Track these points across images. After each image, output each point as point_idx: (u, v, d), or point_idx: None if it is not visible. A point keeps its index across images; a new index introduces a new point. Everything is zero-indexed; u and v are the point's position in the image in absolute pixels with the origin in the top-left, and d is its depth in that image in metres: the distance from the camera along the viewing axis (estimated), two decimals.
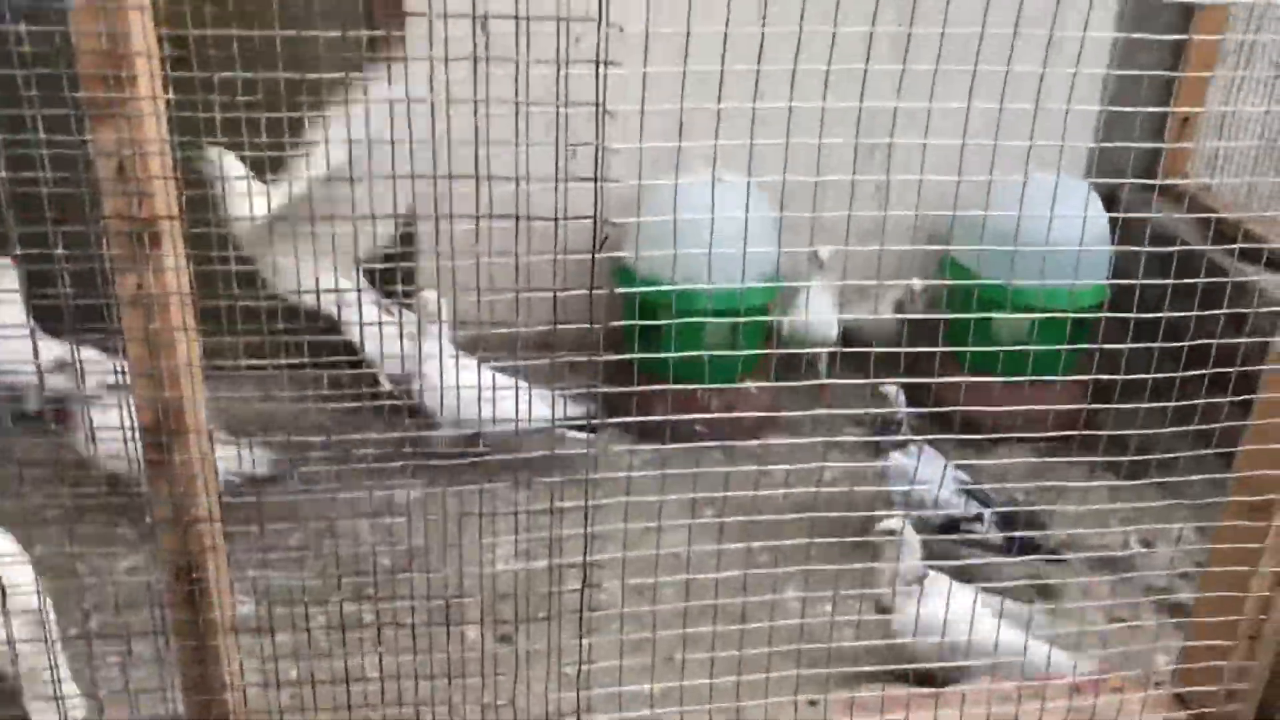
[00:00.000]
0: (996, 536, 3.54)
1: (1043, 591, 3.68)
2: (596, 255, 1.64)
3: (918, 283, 4.57)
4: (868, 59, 1.67)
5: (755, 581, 2.11)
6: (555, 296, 1.62)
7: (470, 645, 2.37)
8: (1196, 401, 2.02)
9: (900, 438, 3.76)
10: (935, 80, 1.73)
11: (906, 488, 3.59)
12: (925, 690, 2.35)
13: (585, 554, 1.84)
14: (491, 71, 1.49)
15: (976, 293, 3.99)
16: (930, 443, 3.75)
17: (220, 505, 1.76)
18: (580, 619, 1.91)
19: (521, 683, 2.05)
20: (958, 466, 3.74)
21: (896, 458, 3.73)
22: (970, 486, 3.66)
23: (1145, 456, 2.45)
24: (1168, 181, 4.86)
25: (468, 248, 1.68)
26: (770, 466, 2.15)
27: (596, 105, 1.52)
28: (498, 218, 1.57)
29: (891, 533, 3.14)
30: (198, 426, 1.68)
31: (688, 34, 1.58)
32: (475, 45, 1.50)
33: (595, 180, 1.58)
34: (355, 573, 2.63)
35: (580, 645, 1.94)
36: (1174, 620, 3.26)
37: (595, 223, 1.61)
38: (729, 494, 2.00)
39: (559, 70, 1.54)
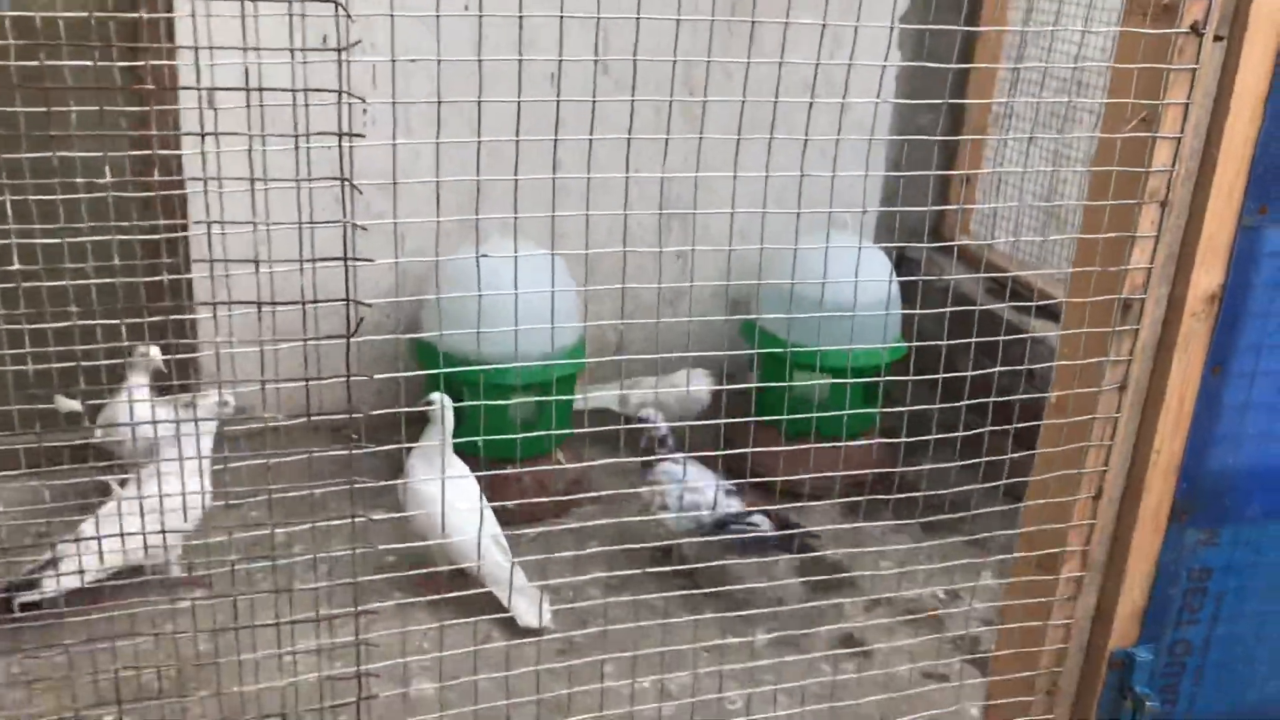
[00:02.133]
0: (770, 530, 3.80)
1: (851, 644, 3.70)
2: (359, 339, 1.52)
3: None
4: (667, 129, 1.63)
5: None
6: (307, 386, 1.50)
7: None
8: (977, 431, 2.04)
9: (666, 457, 3.95)
10: (729, 148, 1.71)
11: (678, 487, 3.84)
12: None
13: (359, 662, 1.70)
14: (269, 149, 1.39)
15: (789, 359, 4.06)
16: (696, 459, 3.93)
17: None
18: (358, 709, 1.76)
19: None
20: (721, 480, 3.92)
21: (666, 466, 3.90)
22: (731, 489, 3.89)
23: (937, 503, 2.47)
24: (962, 242, 5.04)
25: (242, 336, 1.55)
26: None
27: (341, 179, 1.42)
28: (237, 304, 1.44)
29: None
30: None
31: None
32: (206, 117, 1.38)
33: (344, 260, 1.47)
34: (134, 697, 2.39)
35: None
36: (978, 680, 3.30)
37: (348, 305, 1.50)
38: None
39: (305, 142, 1.44)
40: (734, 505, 3.86)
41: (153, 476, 3.21)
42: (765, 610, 3.68)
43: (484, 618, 3.32)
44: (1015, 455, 2.15)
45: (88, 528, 3.13)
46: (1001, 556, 2.27)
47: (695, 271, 3.67)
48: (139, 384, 3.48)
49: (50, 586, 3.10)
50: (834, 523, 4.38)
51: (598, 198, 1.75)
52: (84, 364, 1.44)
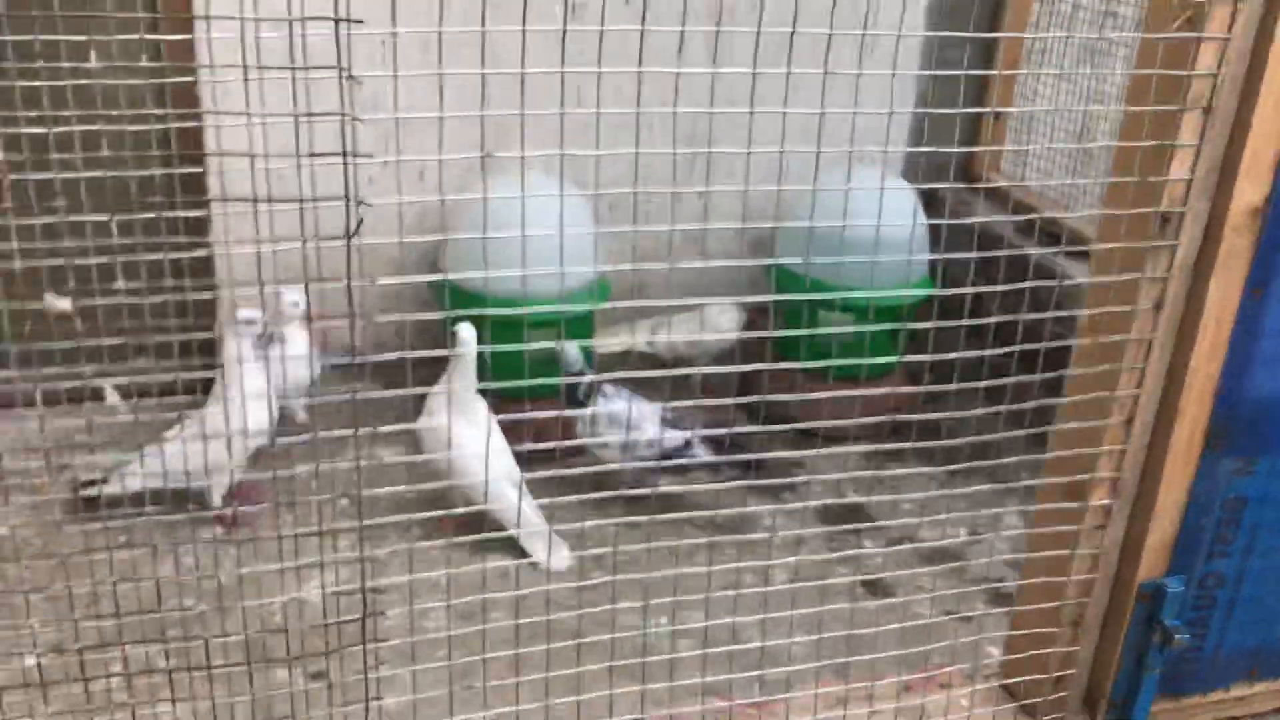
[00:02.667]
0: (707, 458, 3.82)
1: (872, 588, 3.65)
2: (354, 242, 1.46)
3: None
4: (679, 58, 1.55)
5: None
6: (306, 287, 1.44)
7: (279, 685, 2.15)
8: (1006, 380, 1.96)
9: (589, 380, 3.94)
10: (753, 85, 1.64)
11: (618, 436, 3.85)
12: (749, 701, 2.23)
13: (363, 579, 1.65)
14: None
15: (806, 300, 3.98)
16: (627, 386, 3.96)
17: None
18: (364, 650, 1.72)
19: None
20: (665, 407, 3.93)
21: (601, 403, 3.89)
22: (670, 418, 3.91)
23: (960, 447, 2.40)
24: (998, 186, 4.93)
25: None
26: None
27: (338, 69, 1.35)
28: (234, 200, 1.38)
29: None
30: None
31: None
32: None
33: (343, 155, 1.40)
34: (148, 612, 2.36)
35: (366, 679, 1.75)
36: (1004, 610, 3.24)
37: (347, 204, 1.44)
38: None
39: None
40: (674, 436, 3.87)
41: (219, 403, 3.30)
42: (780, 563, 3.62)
43: (500, 562, 3.30)
44: (1043, 402, 2.07)
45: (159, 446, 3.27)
46: (1020, 483, 2.20)
47: (718, 210, 3.57)
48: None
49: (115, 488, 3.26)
50: (855, 466, 4.32)
51: (618, 134, 1.67)
52: (76, 262, 1.38)
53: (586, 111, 1.55)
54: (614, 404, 3.90)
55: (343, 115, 1.39)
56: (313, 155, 1.38)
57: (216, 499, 3.39)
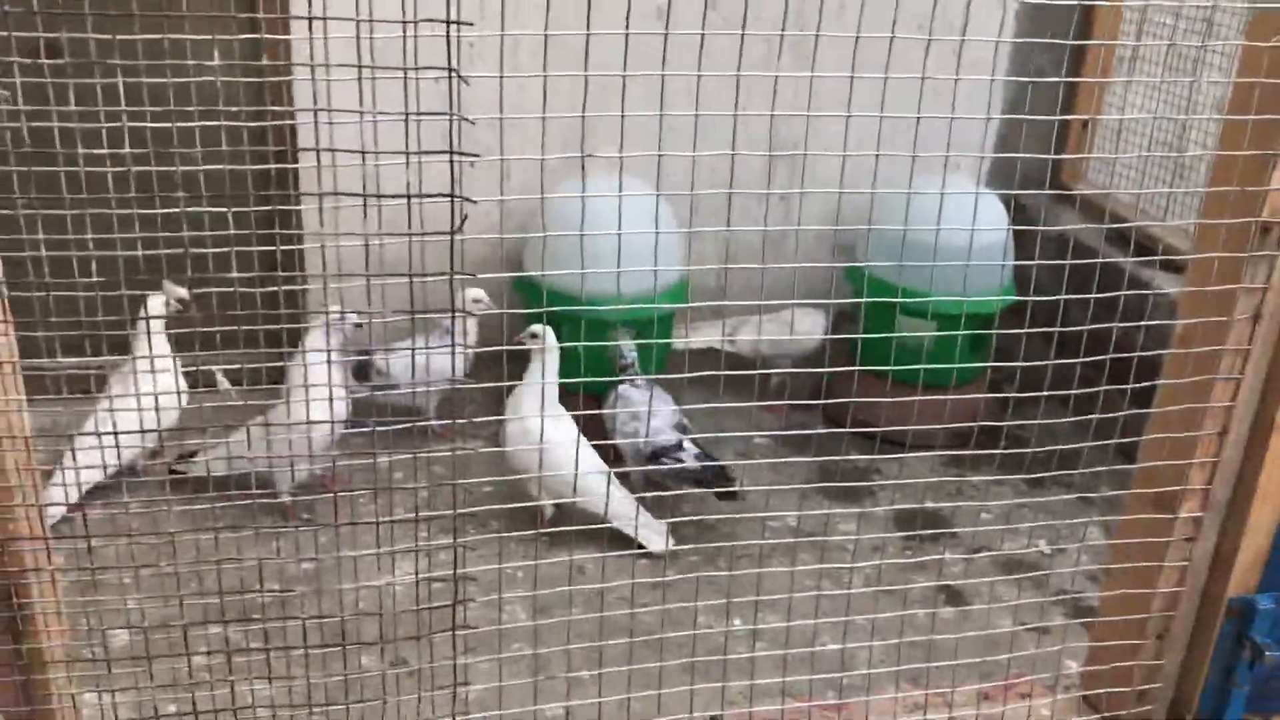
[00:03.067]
0: (694, 465, 3.83)
1: (951, 596, 3.62)
2: (459, 237, 1.50)
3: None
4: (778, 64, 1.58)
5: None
6: (410, 283, 1.49)
7: (364, 669, 2.21)
8: (1093, 390, 1.95)
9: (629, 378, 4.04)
10: (835, 88, 1.66)
11: (626, 413, 3.94)
12: (828, 703, 2.24)
13: (455, 567, 1.69)
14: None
15: (897, 307, 3.96)
16: (659, 384, 4.08)
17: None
18: (453, 638, 1.77)
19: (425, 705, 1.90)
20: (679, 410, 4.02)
21: (624, 389, 3.99)
22: (685, 423, 3.96)
23: (1043, 458, 2.38)
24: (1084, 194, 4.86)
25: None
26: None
27: (448, 70, 1.39)
28: (343, 195, 1.42)
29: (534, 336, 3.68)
30: (11, 428, 1.51)
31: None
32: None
33: (450, 154, 1.44)
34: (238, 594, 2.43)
35: (455, 666, 1.79)
36: (1083, 622, 3.20)
37: (453, 201, 1.48)
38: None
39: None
40: (670, 436, 3.90)
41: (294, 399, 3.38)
42: (859, 566, 3.61)
43: (584, 556, 3.33)
44: (1130, 412, 2.05)
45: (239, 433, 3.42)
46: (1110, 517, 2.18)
47: (801, 214, 3.58)
48: (317, 348, 3.57)
49: (200, 469, 3.49)
50: (936, 473, 4.30)
51: (703, 137, 1.70)
52: (193, 251, 1.44)
53: (682, 114, 1.58)
54: (631, 395, 3.98)
55: (451, 115, 1.43)
56: (421, 153, 1.42)
57: (283, 490, 3.56)
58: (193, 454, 3.70)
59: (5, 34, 1.34)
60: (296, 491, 3.52)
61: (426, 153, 1.47)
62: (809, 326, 4.54)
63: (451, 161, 1.47)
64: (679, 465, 3.85)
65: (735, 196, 1.83)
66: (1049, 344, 2.09)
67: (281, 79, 1.56)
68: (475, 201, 1.49)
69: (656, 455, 3.88)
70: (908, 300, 3.98)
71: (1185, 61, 4.46)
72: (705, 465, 3.83)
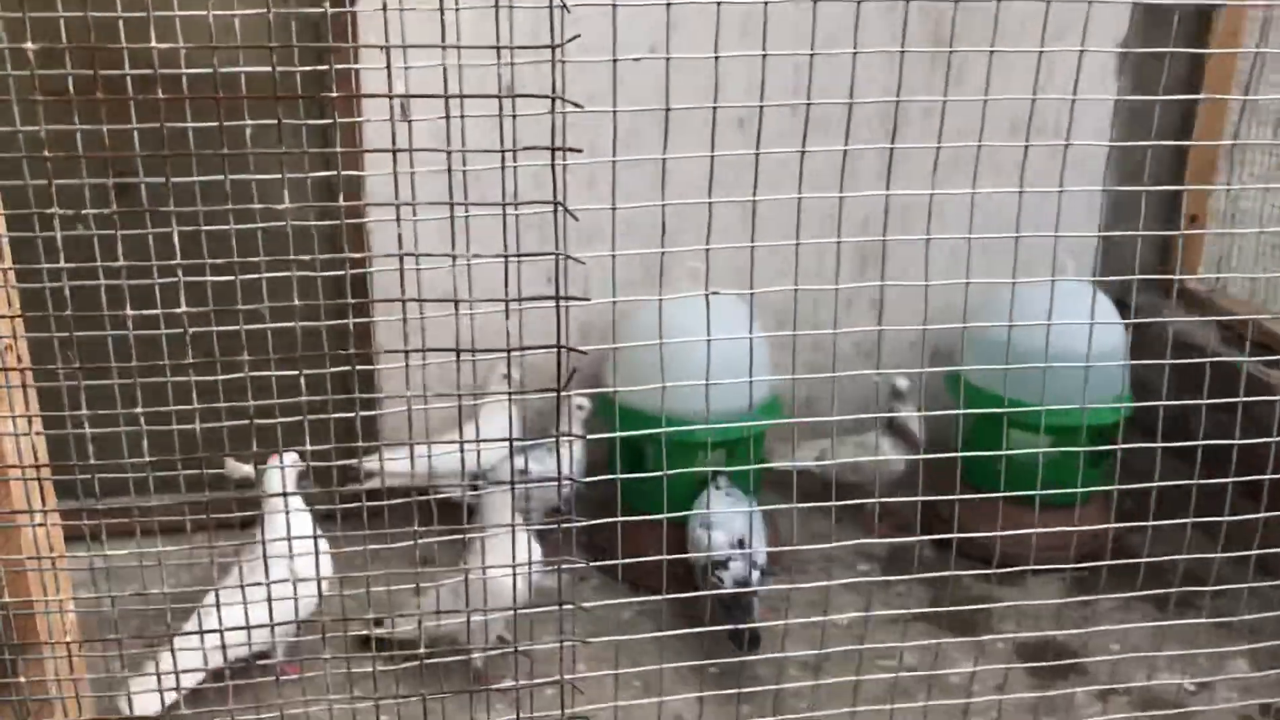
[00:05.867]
0: (727, 590, 3.39)
1: None
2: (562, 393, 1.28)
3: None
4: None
5: None
6: (510, 445, 1.26)
7: None
8: (1237, 519, 1.71)
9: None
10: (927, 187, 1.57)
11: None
12: None
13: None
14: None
15: (1006, 418, 3.69)
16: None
17: None
18: None
19: None
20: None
21: (711, 494, 3.67)
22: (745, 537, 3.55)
23: (1172, 576, 2.15)
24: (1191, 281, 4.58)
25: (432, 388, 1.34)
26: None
27: (554, 203, 1.18)
28: (432, 352, 1.21)
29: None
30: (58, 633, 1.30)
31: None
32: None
33: (556, 299, 1.23)
34: None
35: None
36: None
37: (559, 353, 1.26)
38: None
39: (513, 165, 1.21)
40: (723, 552, 3.50)
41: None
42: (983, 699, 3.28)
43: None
44: (1266, 515, 1.83)
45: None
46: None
47: (893, 320, 3.38)
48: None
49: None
50: (1053, 598, 3.97)
51: (788, 242, 1.57)
52: (258, 422, 1.23)
53: (785, 195, 1.41)
54: (713, 500, 3.63)
55: (557, 254, 1.22)
56: (518, 203, 1.21)
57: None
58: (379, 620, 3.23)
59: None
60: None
61: (528, 299, 1.26)
62: (899, 447, 4.25)
63: (558, 307, 1.26)
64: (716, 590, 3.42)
65: (823, 310, 1.72)
66: (1168, 456, 2.00)
67: (360, 219, 1.40)
68: (585, 353, 1.27)
69: (710, 570, 3.48)
70: (1016, 410, 3.68)
71: None
72: (737, 592, 3.39)
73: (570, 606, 1.33)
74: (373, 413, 1.23)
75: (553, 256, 1.22)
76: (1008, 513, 3.67)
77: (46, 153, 1.08)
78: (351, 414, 1.22)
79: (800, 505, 1.92)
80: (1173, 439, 1.93)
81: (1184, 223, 4.51)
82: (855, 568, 4.08)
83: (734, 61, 1.35)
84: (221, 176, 1.11)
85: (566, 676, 1.39)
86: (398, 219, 1.17)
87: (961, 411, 4.06)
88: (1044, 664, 3.48)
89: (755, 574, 3.49)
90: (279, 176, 1.13)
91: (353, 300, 1.26)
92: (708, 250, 1.52)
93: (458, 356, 1.22)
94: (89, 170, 1.14)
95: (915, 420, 4.18)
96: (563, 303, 1.24)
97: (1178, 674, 3.58)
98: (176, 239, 1.13)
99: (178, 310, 1.14)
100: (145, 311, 1.16)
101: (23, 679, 1.25)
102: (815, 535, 3.86)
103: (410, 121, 1.16)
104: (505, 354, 1.23)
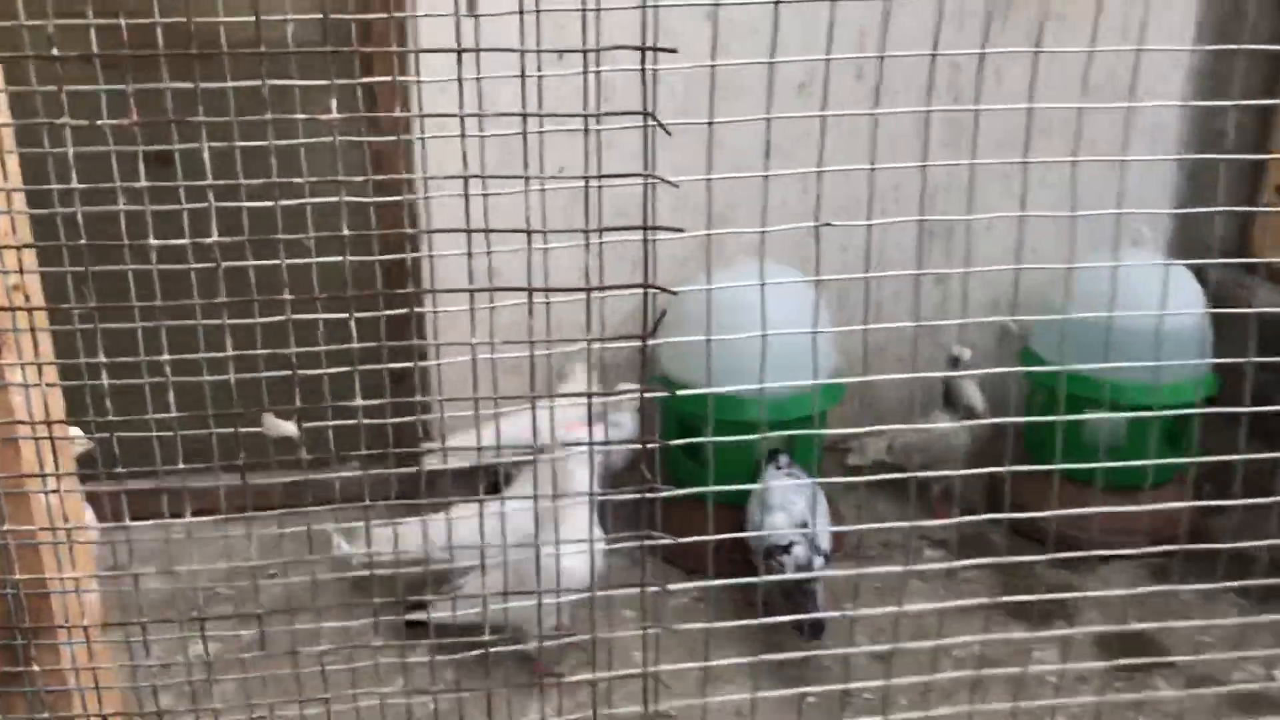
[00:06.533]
0: (793, 577, 3.21)
1: None
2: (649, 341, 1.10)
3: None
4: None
5: None
6: (589, 400, 1.09)
7: None
8: None
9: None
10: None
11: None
12: None
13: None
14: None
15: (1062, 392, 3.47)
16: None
17: None
18: None
19: None
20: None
21: (769, 474, 3.55)
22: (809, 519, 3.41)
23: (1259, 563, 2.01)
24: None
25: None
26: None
27: (643, 113, 1.01)
28: (501, 291, 1.04)
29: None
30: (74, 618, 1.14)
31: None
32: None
33: (644, 229, 1.06)
34: None
35: None
36: None
37: (645, 294, 1.09)
38: None
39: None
40: (784, 534, 3.34)
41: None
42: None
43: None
44: None
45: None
46: None
47: (958, 300, 3.17)
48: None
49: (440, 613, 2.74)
50: (1133, 586, 3.75)
51: (852, 218, 1.49)
52: (300, 373, 1.06)
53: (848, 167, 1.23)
54: (773, 480, 3.49)
55: (645, 176, 1.04)
56: (604, 230, 1.04)
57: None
58: (422, 604, 2.96)
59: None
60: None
61: (609, 229, 1.08)
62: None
63: (645, 239, 1.08)
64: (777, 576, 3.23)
65: (887, 289, 1.57)
66: (1250, 439, 1.92)
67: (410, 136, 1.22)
68: (675, 292, 1.09)
69: (771, 554, 3.32)
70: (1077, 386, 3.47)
71: None
72: (801, 579, 3.21)
73: (655, 589, 1.16)
74: (431, 362, 1.08)
75: (640, 181, 1.04)
76: (1080, 495, 3.47)
77: (55, 51, 0.92)
78: (409, 363, 1.05)
79: (858, 480, 1.76)
80: (1261, 423, 1.86)
81: (1269, 194, 4.27)
82: (922, 554, 3.89)
83: (791, 26, 1.21)
84: (259, 82, 0.94)
85: (650, 669, 1.22)
86: (462, 133, 0.99)
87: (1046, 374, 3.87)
88: (1134, 661, 3.26)
89: (818, 559, 3.32)
90: (326, 83, 0.96)
91: (410, 230, 1.09)
92: (763, 233, 1.36)
93: (529, 297, 1.05)
94: (105, 76, 0.97)
95: (975, 392, 3.98)
96: (650, 234, 1.06)
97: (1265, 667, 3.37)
98: (207, 155, 0.96)
99: (207, 240, 0.96)
100: (171, 241, 0.99)
101: (36, 667, 1.09)
102: (878, 520, 3.68)
103: (476, 17, 0.98)
104: (585, 293, 1.05)
